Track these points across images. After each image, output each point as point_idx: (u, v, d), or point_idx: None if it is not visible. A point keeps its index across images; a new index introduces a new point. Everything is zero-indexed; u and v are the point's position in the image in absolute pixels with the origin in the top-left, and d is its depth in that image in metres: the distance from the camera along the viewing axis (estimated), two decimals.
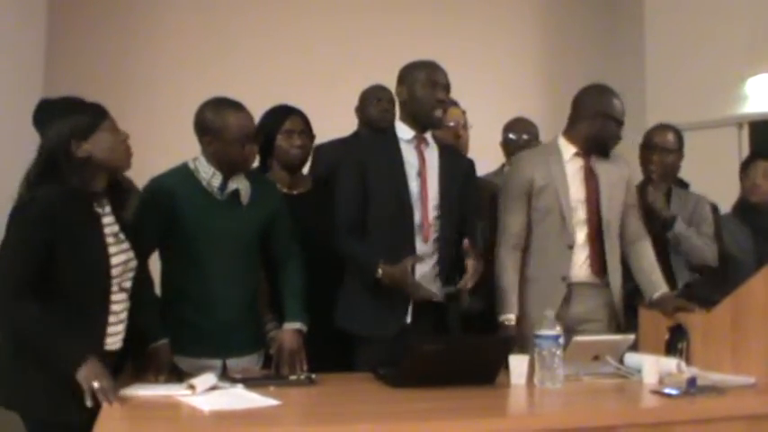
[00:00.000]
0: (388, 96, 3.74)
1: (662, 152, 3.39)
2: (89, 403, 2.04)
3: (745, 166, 3.71)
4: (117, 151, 2.26)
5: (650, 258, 3.00)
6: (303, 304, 2.64)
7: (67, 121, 2.24)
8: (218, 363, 2.54)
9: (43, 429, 2.20)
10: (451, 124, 3.27)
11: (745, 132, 5.48)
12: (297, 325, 2.60)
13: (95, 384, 2.06)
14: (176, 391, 2.19)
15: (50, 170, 2.21)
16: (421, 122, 2.77)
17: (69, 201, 2.18)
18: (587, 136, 2.98)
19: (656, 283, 2.92)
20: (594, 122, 2.97)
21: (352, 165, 2.75)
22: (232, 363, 2.56)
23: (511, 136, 3.74)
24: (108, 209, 2.31)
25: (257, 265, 2.69)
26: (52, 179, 2.20)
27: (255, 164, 3.02)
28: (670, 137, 3.42)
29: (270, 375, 2.52)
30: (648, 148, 3.42)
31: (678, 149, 3.44)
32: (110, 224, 2.29)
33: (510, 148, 3.71)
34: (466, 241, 2.69)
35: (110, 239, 2.27)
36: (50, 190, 2.18)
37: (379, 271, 2.61)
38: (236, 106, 2.57)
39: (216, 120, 2.53)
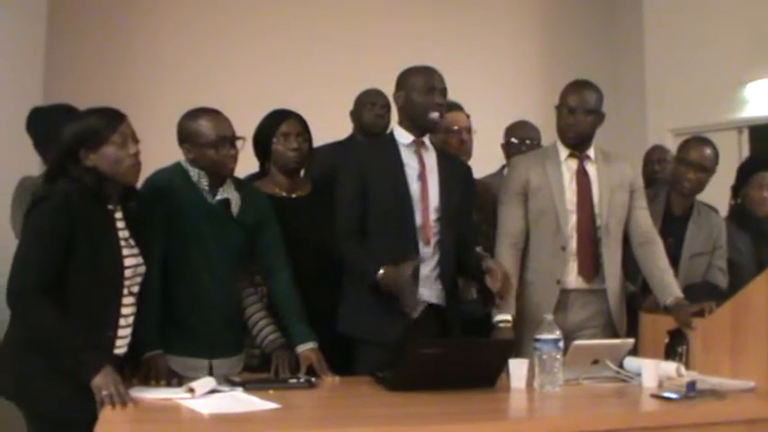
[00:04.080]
0: (382, 101, 3.75)
1: (700, 171, 3.27)
2: (101, 410, 2.05)
3: (746, 175, 3.66)
4: (122, 166, 2.24)
5: (662, 261, 2.95)
6: (307, 322, 2.66)
7: (79, 127, 2.24)
8: (204, 363, 2.55)
9: (45, 425, 2.20)
10: (456, 128, 3.27)
11: (746, 136, 5.50)
12: (310, 345, 2.62)
13: (105, 392, 2.06)
14: (176, 395, 2.19)
15: (64, 170, 2.22)
16: (418, 126, 2.78)
17: (85, 197, 2.19)
18: (557, 129, 3.01)
19: (668, 288, 2.86)
20: (558, 115, 2.99)
21: (352, 169, 2.76)
22: (217, 363, 2.57)
23: (513, 140, 3.72)
24: (120, 213, 2.31)
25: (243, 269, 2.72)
26: (66, 177, 2.20)
27: (255, 169, 3.03)
28: (708, 152, 3.28)
29: (269, 378, 2.52)
30: (684, 163, 3.28)
31: (713, 168, 3.31)
32: (122, 228, 2.30)
33: (512, 151, 3.69)
34: (480, 249, 2.70)
35: (122, 242, 2.28)
36: (66, 185, 2.19)
37: (381, 272, 2.57)
38: (211, 111, 2.60)
39: (191, 125, 2.57)
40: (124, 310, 2.28)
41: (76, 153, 2.21)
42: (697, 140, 3.34)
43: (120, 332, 2.27)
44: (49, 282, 2.12)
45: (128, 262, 2.28)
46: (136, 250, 2.31)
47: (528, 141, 3.68)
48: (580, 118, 2.93)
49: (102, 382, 2.07)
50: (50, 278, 2.12)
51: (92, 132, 2.22)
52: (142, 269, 2.33)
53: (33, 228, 2.17)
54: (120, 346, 2.28)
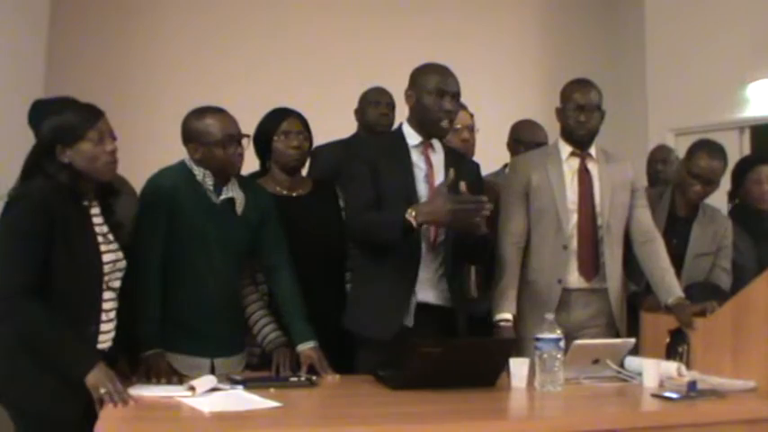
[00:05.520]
0: (386, 100, 3.74)
1: (708, 184, 3.22)
2: (99, 409, 2.05)
3: (745, 171, 3.65)
4: (98, 163, 2.22)
5: (663, 261, 2.94)
6: (308, 321, 2.66)
7: (56, 123, 2.23)
8: (206, 362, 2.56)
9: (33, 424, 2.19)
10: (459, 126, 3.26)
11: (747, 136, 5.49)
12: (311, 344, 2.62)
13: (103, 390, 2.05)
14: (177, 393, 2.19)
15: (39, 166, 2.22)
16: (426, 130, 2.75)
17: (59, 196, 2.18)
18: (563, 129, 3.01)
19: (669, 288, 2.86)
20: (564, 114, 2.99)
21: (364, 162, 2.72)
22: (219, 362, 2.58)
23: (521, 140, 3.63)
24: (97, 209, 2.31)
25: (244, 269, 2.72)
26: (41, 175, 2.20)
27: (256, 167, 3.03)
28: (716, 165, 3.21)
29: (270, 377, 2.52)
30: (692, 174, 3.20)
31: (720, 179, 3.25)
32: (99, 224, 2.30)
33: (519, 151, 3.61)
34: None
35: (99, 238, 2.27)
36: (41, 184, 2.18)
37: (412, 212, 2.48)
38: (217, 110, 2.60)
39: (197, 125, 2.57)
40: (105, 305, 2.27)
41: (53, 148, 2.21)
42: (706, 150, 3.23)
43: (103, 327, 2.27)
44: (35, 281, 2.11)
45: (106, 258, 2.27)
46: (115, 245, 2.30)
47: (534, 145, 3.59)
48: (590, 115, 2.94)
49: (97, 379, 2.07)
50: (35, 278, 2.11)
51: (68, 128, 2.22)
52: (122, 264, 2.32)
53: (13, 228, 2.15)
54: (104, 341, 2.28)
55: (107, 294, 2.28)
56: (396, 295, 2.65)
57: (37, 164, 2.23)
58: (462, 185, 2.52)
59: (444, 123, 2.72)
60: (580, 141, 2.97)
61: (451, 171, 2.55)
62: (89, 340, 2.23)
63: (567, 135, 2.99)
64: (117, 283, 2.31)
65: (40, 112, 3.03)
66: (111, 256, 2.28)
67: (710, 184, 3.22)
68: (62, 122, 2.23)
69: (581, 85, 2.98)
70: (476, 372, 2.37)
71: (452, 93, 2.71)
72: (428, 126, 2.73)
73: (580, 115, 2.94)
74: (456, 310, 2.74)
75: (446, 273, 2.73)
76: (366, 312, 2.69)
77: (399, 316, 2.65)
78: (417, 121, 2.76)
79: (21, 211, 2.15)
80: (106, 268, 2.27)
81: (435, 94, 2.69)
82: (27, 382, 2.16)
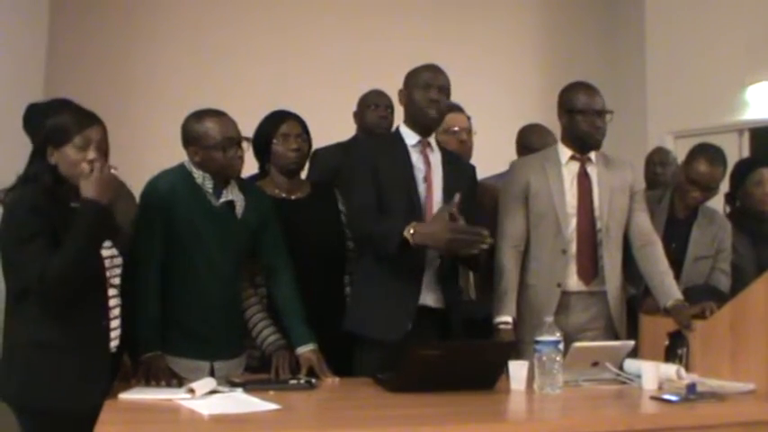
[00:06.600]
0: (385, 102, 3.75)
1: (706, 190, 3.23)
2: None
3: (745, 173, 3.64)
4: (77, 170, 2.20)
5: (662, 264, 2.94)
6: (307, 324, 2.66)
7: (51, 123, 2.23)
8: (206, 365, 2.55)
9: (53, 425, 2.19)
10: (456, 129, 3.26)
11: (746, 139, 5.50)
12: (310, 347, 2.62)
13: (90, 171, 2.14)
14: (176, 395, 2.19)
15: (31, 168, 2.24)
16: (418, 124, 2.78)
17: (48, 199, 2.18)
18: (567, 136, 3.00)
19: (668, 291, 2.86)
20: (567, 121, 2.98)
21: (365, 163, 2.73)
22: (219, 365, 2.58)
23: (530, 147, 3.55)
24: None
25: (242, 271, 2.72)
26: (30, 178, 2.22)
27: (255, 170, 3.03)
28: (716, 171, 3.21)
29: (270, 379, 2.52)
30: (690, 180, 3.22)
31: (719, 184, 3.25)
32: None
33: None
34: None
35: None
36: (32, 187, 2.19)
37: (410, 230, 2.53)
38: (217, 113, 2.60)
39: (197, 127, 2.56)
40: (110, 302, 2.28)
41: (44, 151, 2.22)
42: (706, 156, 3.21)
43: (112, 324, 2.28)
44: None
45: (103, 253, 2.27)
46: (108, 243, 2.30)
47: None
48: (604, 119, 2.94)
49: (89, 190, 2.14)
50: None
51: (58, 129, 2.21)
52: (118, 260, 2.33)
53: (20, 232, 2.14)
54: (114, 338, 2.29)
55: (111, 291, 2.29)
56: (402, 297, 2.65)
57: (31, 164, 2.24)
58: (456, 197, 2.56)
59: (432, 113, 2.74)
60: (596, 146, 2.97)
61: (457, 195, 2.58)
62: (104, 335, 2.24)
63: (578, 139, 2.96)
64: (117, 280, 2.32)
65: (34, 116, 3.04)
66: (107, 252, 2.29)
67: (709, 190, 3.23)
68: (55, 123, 2.23)
69: (591, 89, 2.97)
70: (475, 374, 2.37)
71: (439, 85, 2.75)
72: (418, 118, 2.76)
73: (597, 120, 2.93)
74: (451, 312, 2.74)
75: (444, 275, 2.74)
76: (371, 314, 2.68)
77: (407, 318, 2.65)
78: (410, 117, 2.80)
79: (19, 218, 2.15)
80: (105, 263, 2.27)
81: (423, 87, 2.74)
82: (46, 382, 2.16)
